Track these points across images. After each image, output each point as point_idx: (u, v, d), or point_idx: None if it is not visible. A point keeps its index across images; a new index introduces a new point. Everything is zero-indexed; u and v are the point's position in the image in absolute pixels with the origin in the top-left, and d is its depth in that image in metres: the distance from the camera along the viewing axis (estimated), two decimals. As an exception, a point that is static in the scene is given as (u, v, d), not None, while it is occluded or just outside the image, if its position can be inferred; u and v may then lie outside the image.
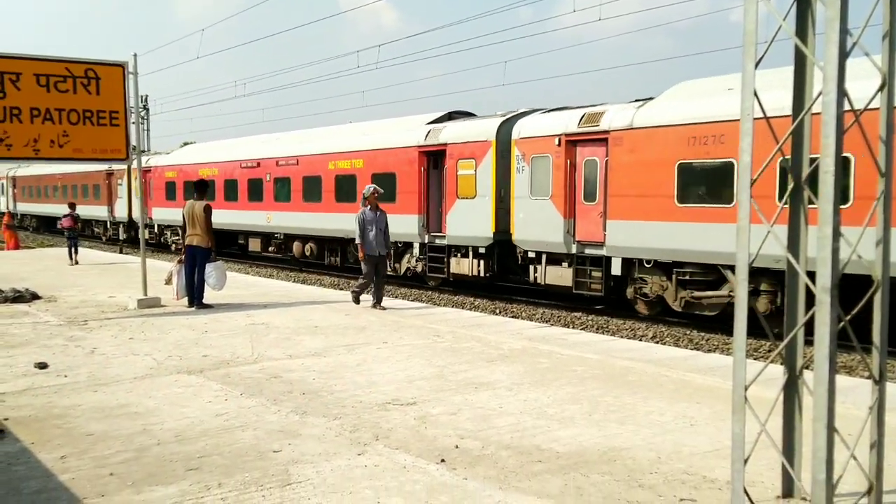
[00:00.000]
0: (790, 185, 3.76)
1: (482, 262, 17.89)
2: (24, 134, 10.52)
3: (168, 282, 12.01)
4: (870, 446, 3.77)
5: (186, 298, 11.74)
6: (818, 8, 3.60)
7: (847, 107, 3.27)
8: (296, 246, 24.07)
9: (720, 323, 13.69)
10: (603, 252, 15.01)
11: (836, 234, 3.24)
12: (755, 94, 3.51)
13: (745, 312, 3.64)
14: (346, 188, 21.40)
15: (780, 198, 12.00)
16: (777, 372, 4.19)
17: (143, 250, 12.31)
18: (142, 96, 54.07)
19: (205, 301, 11.68)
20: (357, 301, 12.04)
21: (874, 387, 3.73)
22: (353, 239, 13.09)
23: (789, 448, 3.98)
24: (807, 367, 3.98)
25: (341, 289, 18.77)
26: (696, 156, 13.30)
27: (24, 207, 47.03)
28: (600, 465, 4.73)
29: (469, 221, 17.96)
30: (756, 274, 12.17)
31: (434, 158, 19.19)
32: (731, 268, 11.35)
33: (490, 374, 7.22)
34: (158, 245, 31.94)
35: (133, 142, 11.57)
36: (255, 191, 25.38)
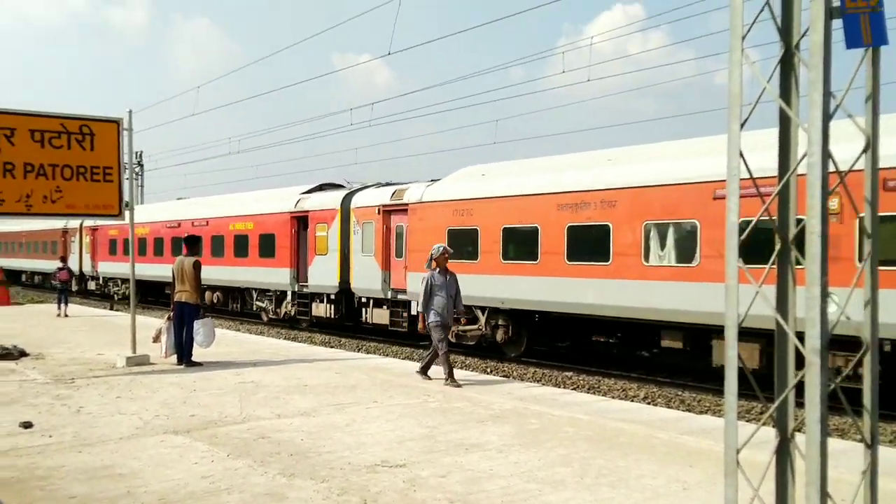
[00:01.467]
0: (777, 246, 3.78)
1: (332, 306, 22.10)
2: (17, 189, 10.54)
3: (156, 339, 11.91)
4: (864, 511, 3.72)
5: (175, 356, 11.63)
6: (801, 71, 3.67)
7: (832, 168, 3.32)
8: (206, 294, 26.81)
9: (710, 383, 13.62)
10: (406, 297, 18.97)
11: (825, 295, 3.25)
12: (741, 155, 3.56)
13: (736, 373, 3.62)
14: (242, 246, 25.57)
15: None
16: (769, 434, 4.15)
17: (134, 308, 12.24)
18: (136, 152, 54.39)
19: (194, 359, 11.58)
20: (426, 375, 10.52)
21: (866, 451, 3.70)
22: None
23: (783, 513, 3.92)
24: (798, 430, 3.95)
25: (332, 346, 18.70)
26: (458, 223, 17.58)
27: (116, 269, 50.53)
28: (592, 529, 4.64)
29: (323, 273, 22.18)
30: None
31: (302, 222, 23.26)
32: (482, 308, 15.12)
33: (480, 436, 7.13)
34: (103, 295, 36.03)
35: (126, 197, 11.59)
36: (177, 247, 28.42)
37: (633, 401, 12.24)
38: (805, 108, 3.40)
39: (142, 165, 55.34)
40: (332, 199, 22.34)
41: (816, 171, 3.26)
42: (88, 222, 36.43)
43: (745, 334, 11.69)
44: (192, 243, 12.23)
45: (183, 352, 11.57)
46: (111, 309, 28.11)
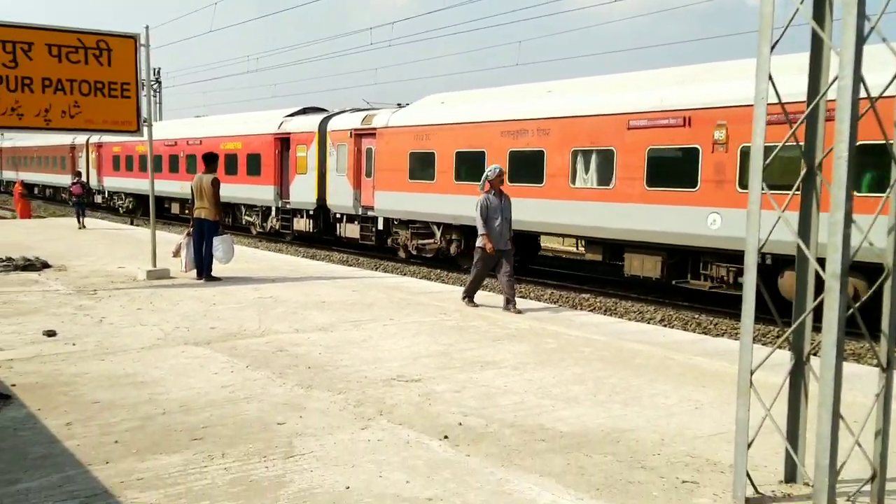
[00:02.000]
0: (802, 171, 3.71)
1: (311, 221, 24.19)
2: (35, 104, 10.50)
3: (176, 254, 12.02)
4: (875, 434, 3.76)
5: (195, 271, 11.77)
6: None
7: (862, 94, 3.22)
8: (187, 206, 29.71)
9: (728, 307, 13.67)
10: (374, 213, 21.08)
11: (848, 220, 3.20)
12: (770, 79, 3.46)
13: (753, 296, 3.61)
14: (231, 164, 26.98)
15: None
16: (784, 358, 4.17)
17: (153, 222, 12.33)
18: (154, 69, 54.00)
19: (213, 274, 11.72)
20: (473, 302, 10.06)
21: (881, 375, 3.71)
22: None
23: (793, 433, 3.97)
24: (814, 354, 3.96)
25: (350, 265, 18.85)
26: (419, 147, 19.23)
27: (7, 175, 54.22)
28: (603, 445, 4.73)
29: (303, 191, 24.10)
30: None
31: (285, 143, 24.99)
32: (438, 224, 16.89)
33: (496, 354, 7.22)
34: (108, 208, 38.26)
35: (144, 114, 11.53)
36: (173, 165, 31.24)
37: (649, 323, 12.32)
38: (838, 33, 3.28)
39: (160, 82, 55.01)
40: (311, 122, 24.06)
41: (847, 96, 3.17)
42: (94, 138, 37.66)
43: (651, 248, 14.56)
44: (209, 160, 12.21)
45: (202, 266, 11.70)
46: (132, 224, 28.39)
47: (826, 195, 3.45)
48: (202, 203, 11.73)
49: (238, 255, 12.89)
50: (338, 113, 23.80)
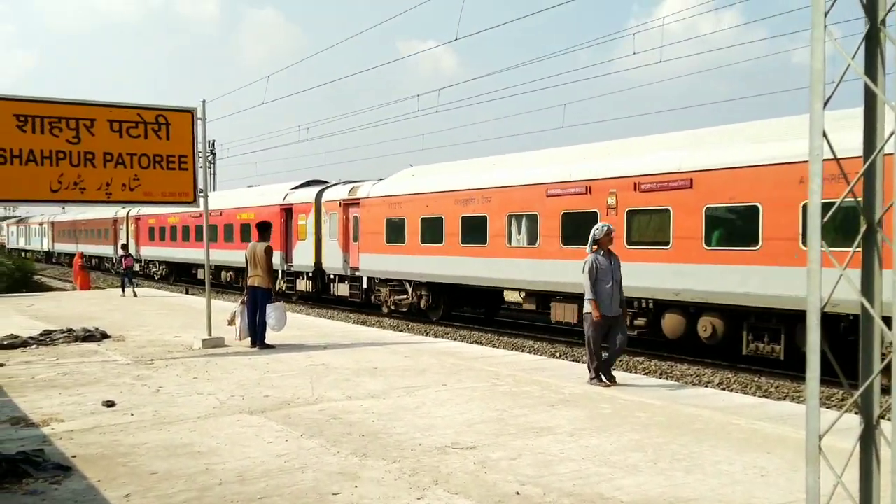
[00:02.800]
0: (863, 227, 3.64)
1: (311, 282, 26.74)
2: (97, 178, 10.90)
3: (231, 322, 12.20)
4: (955, 502, 3.57)
5: (249, 339, 11.91)
6: (888, 47, 3.52)
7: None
8: (223, 274, 33.06)
9: (788, 370, 13.27)
10: (359, 273, 23.60)
11: (914, 278, 3.11)
12: (825, 135, 3.43)
13: (818, 358, 3.51)
14: (246, 232, 29.14)
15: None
16: (851, 421, 4.01)
17: (209, 292, 12.56)
18: (209, 141, 55.70)
19: (267, 341, 11.84)
20: (604, 380, 9.04)
21: (959, 439, 3.54)
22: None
23: (867, 502, 3.80)
24: (883, 417, 3.81)
25: (400, 331, 18.88)
26: (393, 214, 21.87)
27: (60, 247, 57.59)
28: (666, 515, 4.58)
29: (304, 255, 26.70)
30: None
31: (289, 212, 27.76)
32: (409, 282, 21.60)
33: (551, 419, 7.10)
34: (145, 276, 40.44)
35: (200, 185, 11.87)
36: (200, 234, 34.21)
37: (706, 386, 12.02)
38: (893, 87, 3.25)
39: (214, 154, 56.59)
40: (309, 194, 26.97)
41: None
42: (133, 211, 41.37)
43: (568, 298, 16.37)
44: (263, 229, 12.47)
45: (256, 334, 11.84)
46: (186, 293, 28.95)
47: (888, 252, 3.37)
48: (256, 271, 11.94)
49: (290, 323, 13.02)
50: (331, 185, 26.71)
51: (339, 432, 6.58)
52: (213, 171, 56.35)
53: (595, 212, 15.64)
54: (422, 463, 5.66)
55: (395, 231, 21.81)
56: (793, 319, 12.89)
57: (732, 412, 7.52)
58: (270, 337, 11.97)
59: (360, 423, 6.90)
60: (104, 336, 12.88)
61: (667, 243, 14.56)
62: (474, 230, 18.98)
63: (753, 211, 13.11)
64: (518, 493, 4.95)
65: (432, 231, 20.34)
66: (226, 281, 32.85)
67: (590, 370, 9.11)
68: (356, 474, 5.36)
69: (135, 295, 23.07)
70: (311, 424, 6.86)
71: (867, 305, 3.56)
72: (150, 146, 11.27)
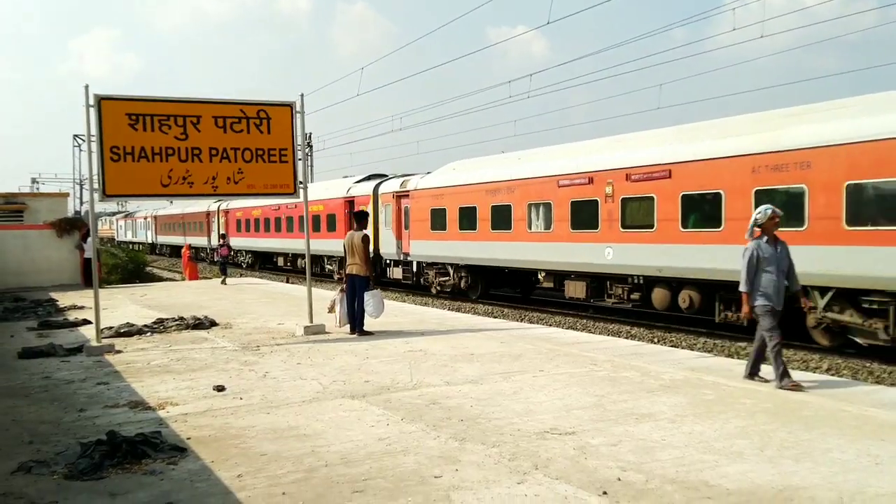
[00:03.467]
0: None
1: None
2: (204, 172, 11.33)
3: (331, 310, 12.50)
4: None
5: (348, 326, 12.18)
6: None
7: None
8: (298, 261, 35.90)
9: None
10: (410, 258, 26.14)
11: None
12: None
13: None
14: (317, 223, 32.15)
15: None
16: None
17: (309, 281, 12.90)
18: (307, 134, 56.97)
19: (365, 328, 12.08)
20: (758, 376, 8.25)
21: None
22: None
23: None
24: None
25: (495, 317, 18.94)
26: (436, 205, 24.29)
27: (162, 240, 62.25)
28: (775, 504, 4.47)
29: None
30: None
31: (352, 205, 29.54)
32: (452, 265, 24.51)
33: (651, 405, 7.00)
34: (234, 264, 41.60)
35: (300, 177, 12.19)
36: (278, 226, 37.20)
37: (815, 372, 11.59)
38: None
39: (311, 146, 57.87)
40: (368, 187, 29.37)
41: None
42: (223, 205, 44.66)
43: (579, 276, 18.82)
44: (360, 218, 12.70)
45: (355, 321, 12.09)
46: (287, 282, 29.81)
47: None
48: (353, 259, 12.18)
49: (387, 310, 13.24)
50: (387, 179, 29.13)
51: (438, 417, 6.67)
52: (310, 163, 57.69)
53: (596, 200, 17.93)
54: (521, 448, 5.68)
55: (438, 219, 24.17)
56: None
57: (843, 399, 7.23)
58: (369, 324, 12.20)
59: (459, 408, 6.98)
60: (213, 324, 13.42)
61: (652, 226, 16.46)
62: (501, 217, 21.20)
63: (717, 197, 15.01)
64: (619, 479, 4.92)
65: (468, 219, 22.65)
66: (301, 268, 34.24)
67: (776, 373, 7.86)
68: (456, 458, 5.43)
69: (223, 283, 24.96)
70: (411, 409, 6.99)
71: None
72: (252, 140, 11.64)
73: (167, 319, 13.53)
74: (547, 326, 16.11)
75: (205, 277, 32.13)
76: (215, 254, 30.64)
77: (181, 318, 13.53)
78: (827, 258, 12.81)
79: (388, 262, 27.94)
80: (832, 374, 11.74)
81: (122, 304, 17.52)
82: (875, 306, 12.53)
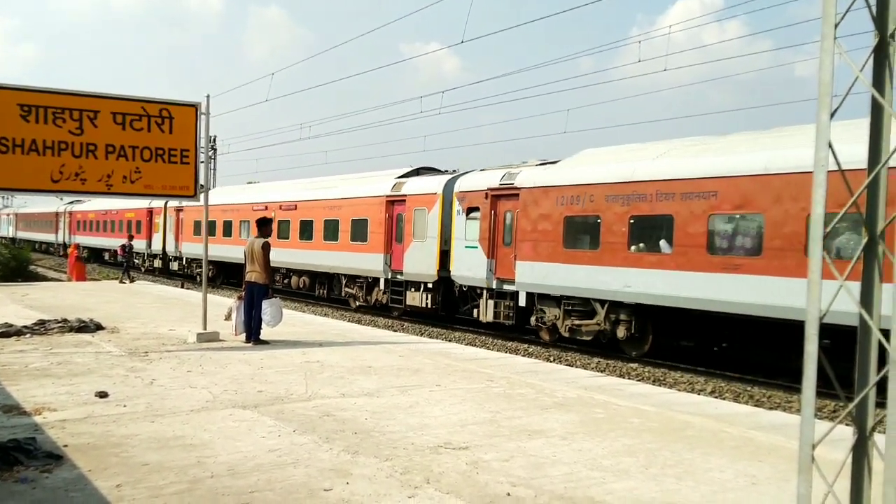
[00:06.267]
0: (864, 239, 3.65)
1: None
2: (98, 169, 10.87)
3: (227, 317, 12.18)
4: (946, 515, 3.57)
5: (244, 334, 11.89)
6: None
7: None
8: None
9: (782, 378, 13.29)
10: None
11: (913, 290, 3.12)
12: (830, 146, 3.44)
13: (815, 368, 3.52)
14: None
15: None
16: (844, 433, 4.02)
17: (205, 285, 12.54)
18: (211, 136, 55.64)
19: (262, 337, 11.82)
20: None
21: (952, 452, 3.55)
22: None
23: (859, 513, 3.80)
24: (876, 429, 3.81)
25: (395, 330, 18.86)
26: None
27: (79, 240, 56.13)
28: (657, 521, 4.58)
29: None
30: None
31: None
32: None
33: (544, 422, 7.10)
34: (186, 276, 36.46)
35: (201, 180, 11.86)
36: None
37: (700, 394, 12.03)
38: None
39: (215, 150, 56.52)
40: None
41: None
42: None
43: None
44: (262, 224, 12.45)
45: (251, 330, 11.82)
46: (182, 287, 28.89)
47: (888, 264, 3.38)
48: (253, 267, 11.93)
49: (287, 319, 13.00)
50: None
51: (331, 429, 6.57)
52: (213, 167, 56.31)
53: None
54: (414, 461, 5.65)
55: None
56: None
57: (725, 420, 7.53)
58: (266, 333, 11.95)
59: (353, 421, 6.90)
60: (98, 327, 12.85)
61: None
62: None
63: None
64: (509, 494, 4.95)
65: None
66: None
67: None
68: (348, 471, 5.36)
69: (125, 282, 25.44)
70: (304, 420, 6.86)
71: (866, 317, 3.57)
72: (152, 139, 11.25)
73: (49, 321, 12.87)
74: (446, 342, 16.19)
75: (93, 279, 30.81)
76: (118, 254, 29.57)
77: (64, 320, 12.89)
78: None
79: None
80: (716, 396, 12.22)
81: (2, 304, 16.58)
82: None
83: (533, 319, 18.19)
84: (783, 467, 5.79)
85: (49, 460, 5.37)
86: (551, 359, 15.79)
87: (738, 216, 13.92)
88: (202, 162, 12.01)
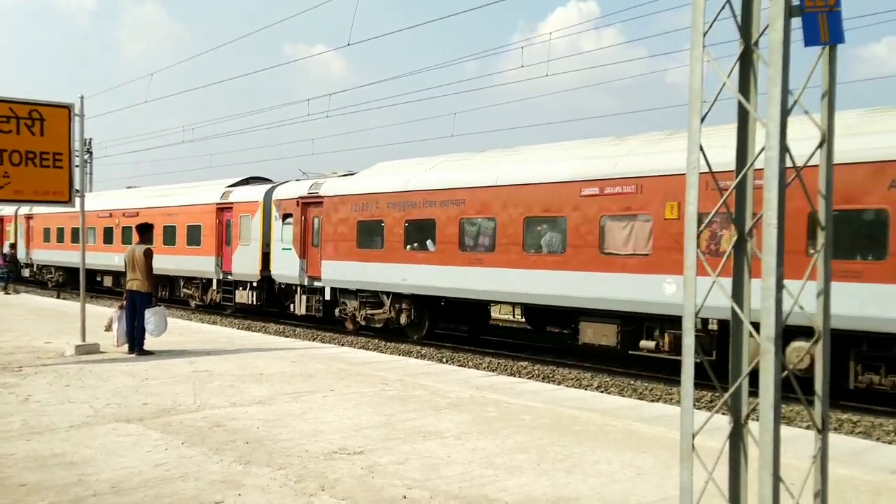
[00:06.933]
0: (734, 237, 3.86)
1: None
2: (-38, 174, 10.23)
3: (108, 328, 11.68)
4: (814, 495, 3.83)
5: (127, 345, 11.43)
6: (760, 68, 3.75)
7: (788, 163, 3.40)
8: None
9: (662, 372, 13.88)
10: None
11: (780, 286, 3.33)
12: (701, 149, 3.62)
13: (693, 361, 3.70)
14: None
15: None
16: (721, 421, 4.24)
17: (84, 295, 11.97)
18: (86, 139, 53.23)
19: (146, 348, 11.39)
20: None
21: (817, 436, 3.81)
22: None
23: (735, 497, 4.02)
24: (750, 417, 4.05)
25: (286, 336, 18.57)
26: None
27: None
28: (549, 515, 4.70)
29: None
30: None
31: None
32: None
33: (438, 423, 7.16)
34: (37, 282, 37.58)
35: (77, 184, 11.32)
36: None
37: (587, 389, 12.41)
38: (763, 105, 3.47)
39: (91, 153, 54.09)
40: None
41: (774, 165, 3.33)
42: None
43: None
44: (143, 231, 12.01)
45: (134, 341, 11.38)
46: (58, 297, 27.51)
47: (756, 261, 3.58)
48: (134, 275, 11.49)
49: (172, 328, 12.58)
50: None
51: (222, 440, 6.41)
52: (89, 171, 53.86)
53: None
54: (308, 469, 5.59)
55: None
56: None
57: (611, 414, 7.80)
58: (150, 343, 11.52)
59: (245, 430, 6.75)
60: (-35, 342, 12.07)
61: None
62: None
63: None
64: (405, 497, 4.97)
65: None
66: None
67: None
68: (240, 482, 5.24)
69: (8, 293, 24.60)
70: (193, 432, 6.66)
71: (738, 310, 3.78)
72: (22, 142, 10.66)
73: None
74: (339, 346, 16.05)
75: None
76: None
77: (-73, 336, 12.04)
78: None
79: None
80: (602, 391, 12.63)
81: None
82: None
83: (337, 311, 20.62)
84: (665, 457, 6.05)
85: (-88, 487, 5.00)
86: (444, 360, 15.93)
87: (479, 219, 16.75)
88: (77, 166, 11.46)
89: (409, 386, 9.17)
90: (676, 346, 13.51)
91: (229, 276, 24.69)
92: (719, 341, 13.15)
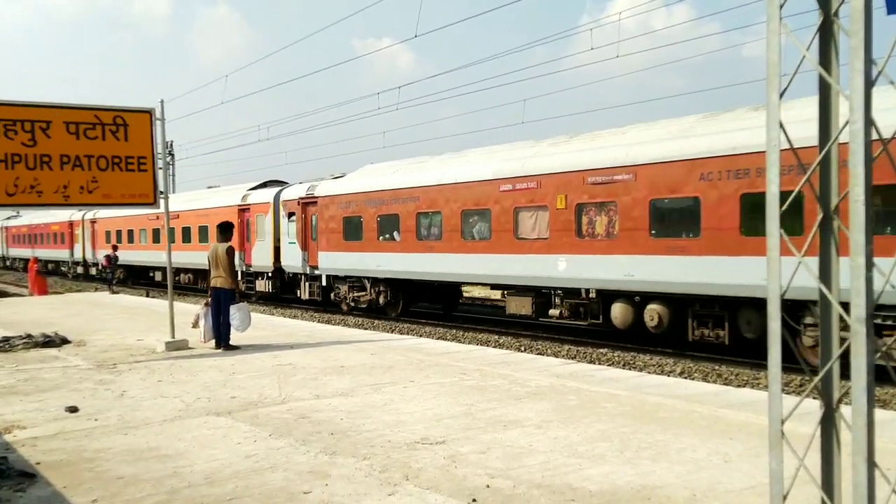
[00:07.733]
0: (819, 216, 3.73)
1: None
2: (54, 181, 10.69)
3: (195, 325, 12.07)
4: (912, 481, 3.68)
5: (213, 341, 11.79)
6: (841, 39, 3.60)
7: (874, 136, 3.26)
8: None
9: (749, 357, 13.53)
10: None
11: (870, 264, 3.21)
12: (781, 126, 3.51)
13: (780, 346, 3.59)
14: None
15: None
16: (811, 406, 4.12)
17: (171, 294, 12.40)
18: (168, 142, 54.96)
19: (231, 343, 11.73)
20: None
21: (914, 419, 3.65)
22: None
23: (828, 484, 3.90)
24: (842, 401, 3.91)
25: (365, 328, 18.85)
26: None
27: (12, 252, 59.26)
28: (634, 503, 4.65)
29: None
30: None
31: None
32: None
33: (518, 412, 7.16)
34: (102, 279, 39.43)
35: (161, 186, 11.72)
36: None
37: (669, 376, 12.19)
38: (845, 77, 3.33)
39: (173, 155, 55.88)
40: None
41: (859, 139, 3.20)
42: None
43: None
44: (224, 230, 12.35)
45: (221, 336, 11.73)
46: (147, 296, 28.56)
47: (843, 239, 3.45)
48: (218, 272, 11.83)
49: (255, 323, 12.92)
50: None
51: (307, 431, 6.56)
52: (172, 173, 55.66)
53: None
54: (392, 459, 5.67)
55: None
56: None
57: (695, 400, 7.65)
58: (235, 338, 11.86)
59: (329, 422, 6.89)
60: (64, 341, 12.65)
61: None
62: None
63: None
64: (488, 486, 4.99)
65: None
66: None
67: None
68: (326, 472, 5.35)
69: (115, 292, 26.42)
70: (280, 424, 6.83)
71: (826, 291, 3.65)
72: (108, 148, 11.08)
73: (13, 337, 12.64)
74: (417, 337, 16.19)
75: (56, 293, 30.28)
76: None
77: (29, 336, 12.67)
78: None
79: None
80: (685, 377, 12.39)
81: (-38, 323, 16.23)
82: None
83: (332, 295, 24.23)
84: (754, 443, 5.90)
85: (22, 479, 5.29)
86: (522, 348, 15.90)
87: (431, 213, 19.84)
88: (160, 168, 11.85)
89: (488, 375, 9.19)
90: (572, 313, 16.85)
91: (250, 269, 28.28)
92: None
